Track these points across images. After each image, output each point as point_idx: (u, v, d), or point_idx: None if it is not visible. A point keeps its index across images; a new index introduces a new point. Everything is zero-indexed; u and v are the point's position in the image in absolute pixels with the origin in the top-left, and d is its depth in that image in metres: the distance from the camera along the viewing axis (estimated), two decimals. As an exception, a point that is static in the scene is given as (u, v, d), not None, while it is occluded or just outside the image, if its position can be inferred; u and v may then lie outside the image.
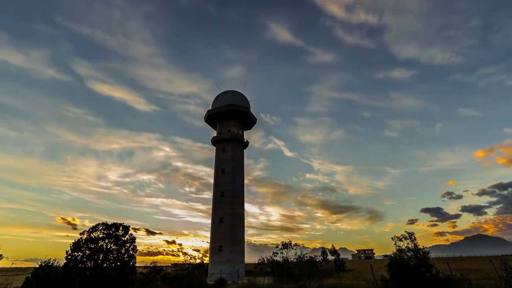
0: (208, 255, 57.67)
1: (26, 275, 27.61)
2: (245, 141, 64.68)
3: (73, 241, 25.71)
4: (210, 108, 65.98)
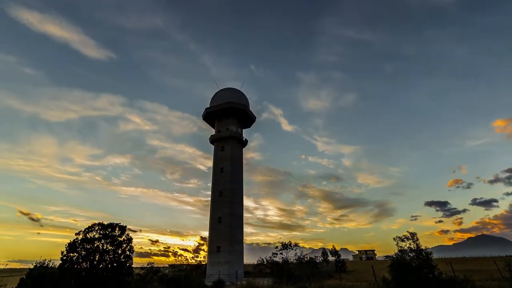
0: (198, 254, 57.78)
1: (21, 276, 27.62)
2: (244, 139, 64.71)
3: (69, 241, 25.72)
4: (208, 106, 66.02)
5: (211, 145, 63.94)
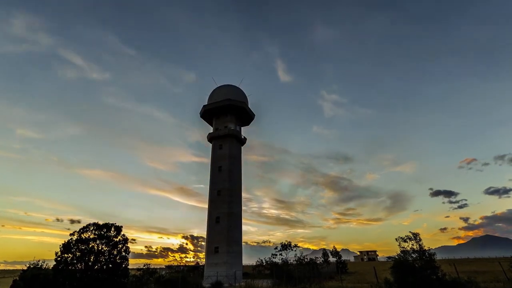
0: (187, 254, 57.74)
1: (13, 277, 27.67)
2: (243, 137, 64.70)
3: (63, 241, 25.74)
4: (206, 103, 65.95)
5: (209, 143, 63.97)
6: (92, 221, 28.07)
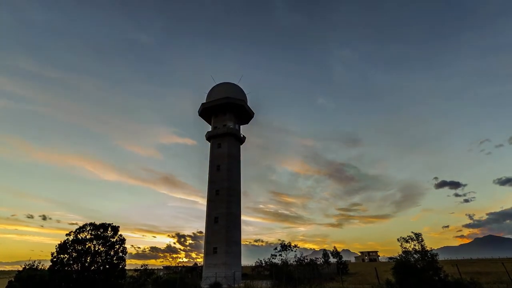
0: (178, 255, 57.86)
1: (9, 278, 27.72)
2: (242, 136, 64.73)
3: (59, 242, 25.79)
4: (205, 101, 65.93)
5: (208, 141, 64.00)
6: (69, 217, 28.03)
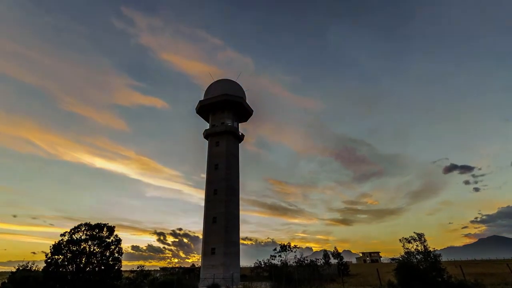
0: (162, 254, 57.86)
1: (2, 280, 27.76)
2: (240, 134, 64.77)
3: (53, 242, 25.83)
4: (202, 99, 65.91)
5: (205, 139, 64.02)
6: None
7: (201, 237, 55.56)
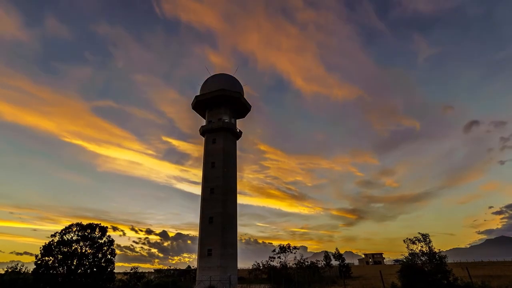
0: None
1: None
2: (238, 130, 64.71)
3: (44, 243, 25.82)
4: (198, 94, 65.77)
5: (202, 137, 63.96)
6: None
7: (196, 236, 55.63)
